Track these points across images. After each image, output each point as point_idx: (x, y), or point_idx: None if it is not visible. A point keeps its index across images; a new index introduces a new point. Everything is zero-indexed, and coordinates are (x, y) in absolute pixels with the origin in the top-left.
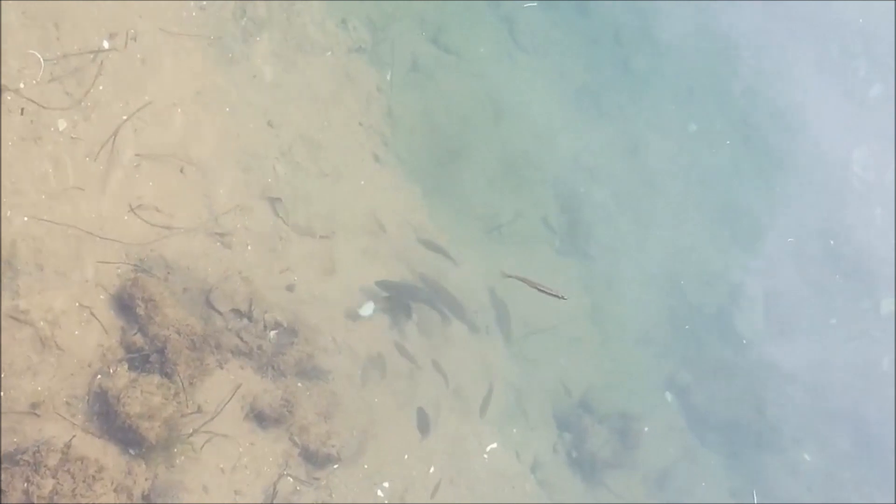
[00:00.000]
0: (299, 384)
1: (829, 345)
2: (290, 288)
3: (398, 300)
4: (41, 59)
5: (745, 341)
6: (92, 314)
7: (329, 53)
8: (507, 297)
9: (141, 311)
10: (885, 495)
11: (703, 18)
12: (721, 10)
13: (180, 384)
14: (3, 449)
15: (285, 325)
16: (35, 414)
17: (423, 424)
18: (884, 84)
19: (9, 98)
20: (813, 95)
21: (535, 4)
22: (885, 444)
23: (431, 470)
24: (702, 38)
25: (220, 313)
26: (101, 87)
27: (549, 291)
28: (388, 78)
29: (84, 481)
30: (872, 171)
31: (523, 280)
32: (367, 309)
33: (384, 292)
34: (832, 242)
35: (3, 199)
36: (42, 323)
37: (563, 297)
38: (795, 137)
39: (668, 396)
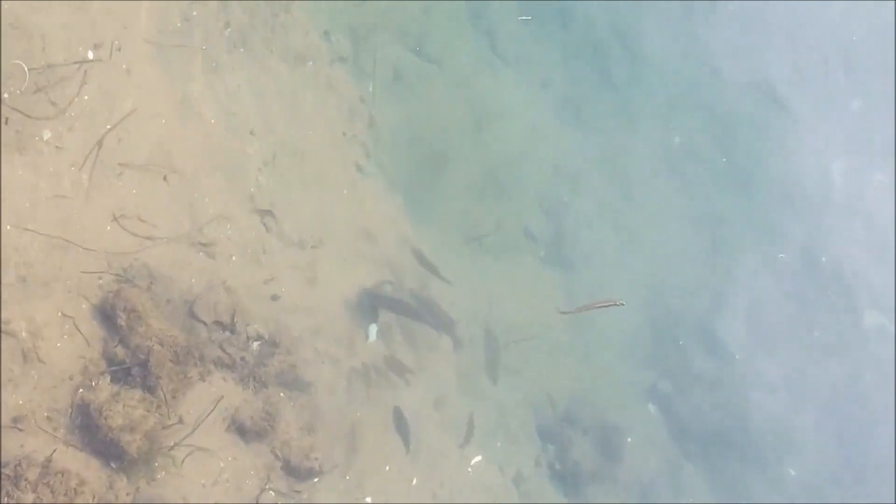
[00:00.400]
0: (281, 396)
1: (812, 357)
2: (273, 298)
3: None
4: (26, 69)
5: (737, 357)
6: (74, 326)
7: (312, 64)
8: (488, 305)
9: (123, 322)
10: None
11: (683, 32)
12: (701, 24)
13: (162, 397)
14: None
15: (268, 336)
16: (17, 428)
17: (402, 428)
18: (863, 98)
19: None
20: (793, 109)
21: (529, 18)
22: (868, 458)
23: (414, 482)
24: (682, 51)
25: (203, 324)
26: (85, 97)
27: (607, 304)
28: (371, 88)
29: (65, 495)
30: (853, 183)
31: (581, 309)
32: (373, 333)
33: (372, 303)
34: (822, 259)
35: None
36: (24, 334)
37: (621, 304)
38: (776, 150)
39: (651, 408)
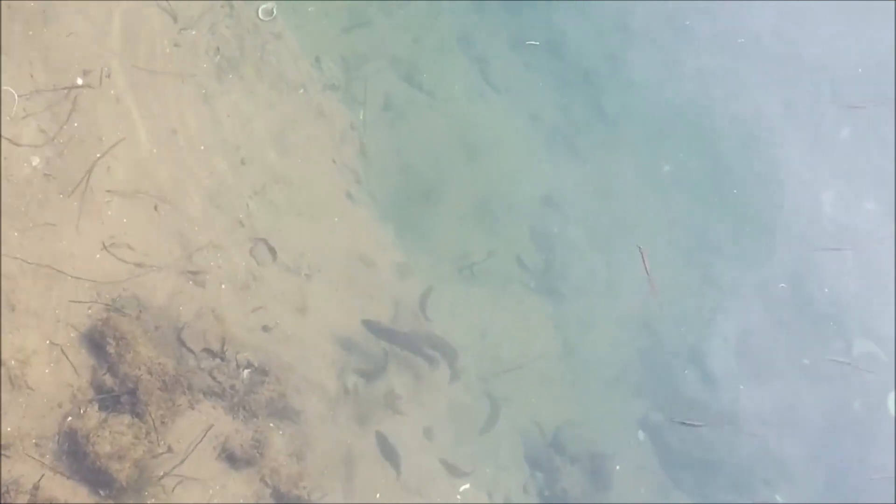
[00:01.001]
0: (271, 424)
1: (801, 386)
2: (263, 328)
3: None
4: (15, 95)
5: (727, 385)
6: (63, 353)
7: (302, 91)
8: (479, 334)
9: (112, 350)
10: None
11: (673, 61)
12: (691, 53)
13: (151, 425)
14: None
15: (257, 364)
16: (5, 455)
17: (389, 452)
18: (852, 127)
19: None
20: (783, 138)
21: (537, 43)
22: (855, 485)
23: None
24: (672, 80)
25: (192, 352)
26: (75, 124)
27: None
28: (361, 116)
29: None
30: (842, 212)
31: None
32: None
33: (369, 332)
34: (812, 287)
35: None
36: (13, 362)
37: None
38: (766, 179)
39: (641, 435)
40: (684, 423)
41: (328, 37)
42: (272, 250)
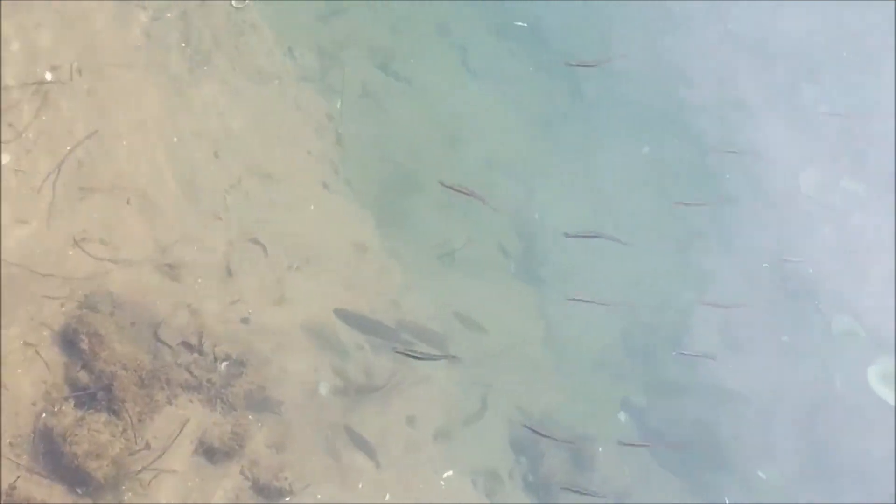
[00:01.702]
0: (250, 417)
1: (782, 364)
2: (241, 320)
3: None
4: None
5: (709, 365)
6: (36, 352)
7: (277, 82)
8: (462, 323)
9: (86, 347)
10: None
11: (653, 46)
12: (670, 38)
13: (128, 421)
14: None
15: (235, 357)
16: None
17: (361, 444)
18: (830, 106)
19: None
20: (762, 119)
21: (525, 25)
22: (837, 461)
23: (387, 497)
24: (653, 64)
25: (168, 347)
26: (44, 119)
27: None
28: (338, 106)
29: None
30: (820, 191)
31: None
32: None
33: (343, 322)
34: (793, 266)
35: None
36: None
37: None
38: (745, 160)
39: (622, 417)
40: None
41: (303, 26)
42: (247, 243)
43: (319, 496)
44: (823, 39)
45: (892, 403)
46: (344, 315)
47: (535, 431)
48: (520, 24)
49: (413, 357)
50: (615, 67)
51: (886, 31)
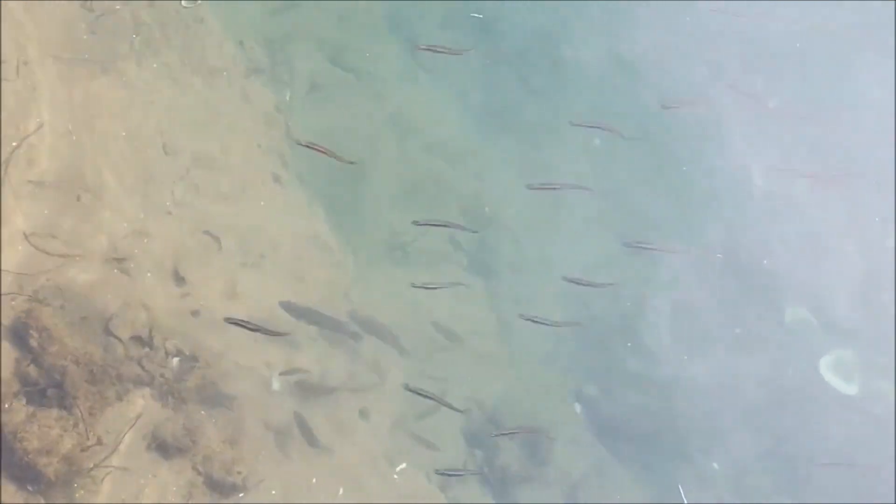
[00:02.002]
0: (202, 412)
1: (735, 355)
2: (192, 313)
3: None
4: None
5: (661, 356)
6: None
7: (226, 75)
8: (413, 314)
9: (35, 342)
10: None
11: (603, 36)
12: (621, 28)
13: (79, 416)
14: None
15: (187, 351)
16: None
17: (305, 429)
18: (781, 97)
19: None
20: (715, 111)
21: (481, 17)
22: (791, 452)
23: (340, 492)
24: (604, 57)
25: (119, 341)
26: None
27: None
28: (288, 98)
29: None
30: (773, 182)
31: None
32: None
33: (288, 314)
34: (744, 257)
35: None
36: None
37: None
38: (698, 151)
39: (578, 408)
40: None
41: (253, 19)
42: (197, 237)
43: (273, 492)
44: (778, 31)
45: (845, 393)
46: (290, 307)
47: (504, 434)
48: (475, 14)
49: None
50: (566, 59)
51: (842, 23)
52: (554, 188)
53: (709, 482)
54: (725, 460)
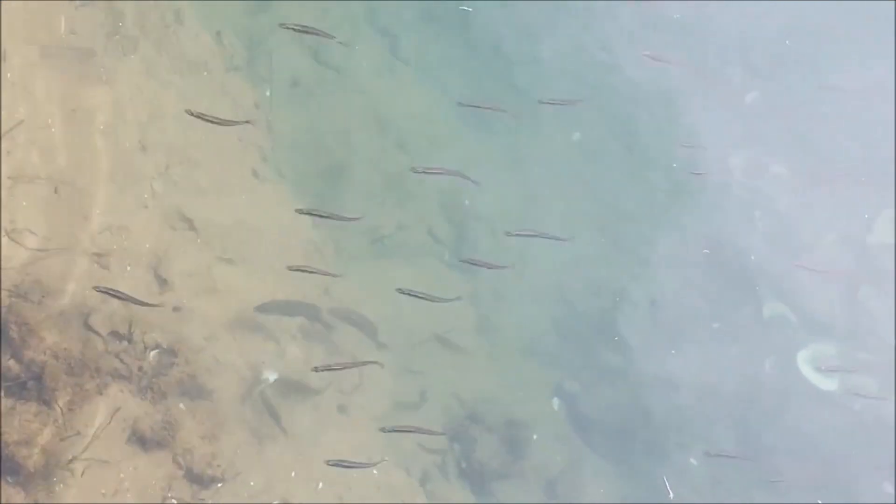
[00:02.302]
0: (181, 405)
1: (714, 349)
2: (172, 308)
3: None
4: None
5: (640, 351)
6: None
7: (205, 69)
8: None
9: (15, 336)
10: (771, 497)
11: (583, 31)
12: (599, 21)
13: (59, 410)
14: None
15: (166, 345)
16: None
17: (272, 410)
18: (759, 91)
19: None
20: (691, 103)
21: (470, 9)
22: (769, 446)
23: (320, 486)
24: (582, 50)
25: (99, 336)
26: None
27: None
28: (267, 93)
29: None
30: (750, 176)
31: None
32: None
33: (268, 314)
34: (723, 251)
35: None
36: None
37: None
38: (676, 145)
39: (556, 403)
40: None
41: (231, 13)
42: (177, 231)
43: (252, 483)
44: (755, 25)
45: (822, 388)
46: (268, 307)
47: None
48: (464, 7)
49: None
50: (545, 56)
51: (819, 19)
52: (439, 173)
53: (686, 476)
54: (701, 455)
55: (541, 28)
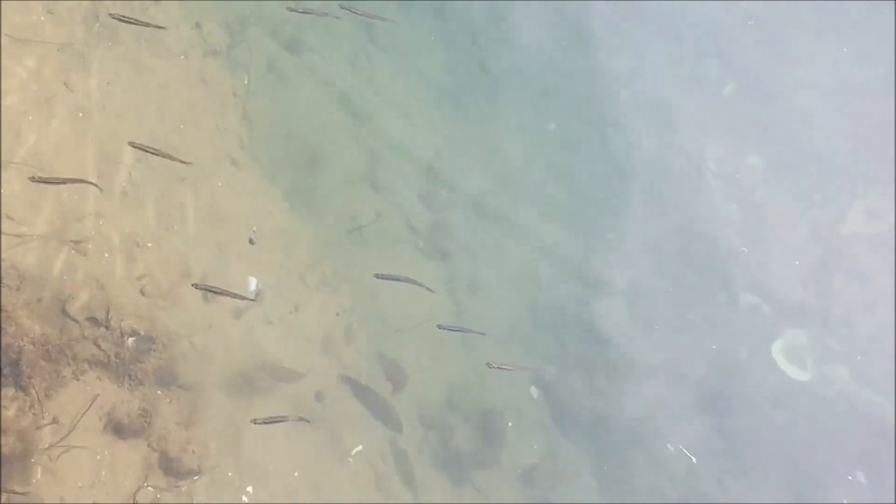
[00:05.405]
0: (158, 392)
1: (688, 338)
2: (148, 294)
3: None
4: None
5: (615, 340)
6: None
7: (184, 57)
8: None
9: None
10: (744, 485)
11: (558, 20)
12: (576, 12)
13: (35, 396)
14: None
15: (143, 332)
16: None
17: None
18: (736, 83)
19: None
20: (668, 94)
21: None
22: (743, 435)
23: (296, 475)
24: (557, 40)
25: (76, 322)
26: None
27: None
28: (245, 81)
29: None
30: (726, 167)
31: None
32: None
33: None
34: (698, 242)
35: None
36: None
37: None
38: (652, 135)
39: (534, 392)
40: None
41: (210, 1)
42: (155, 218)
43: (230, 473)
44: (732, 19)
45: (796, 378)
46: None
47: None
48: None
49: None
50: (521, 41)
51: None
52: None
53: (662, 464)
54: (678, 441)
55: (516, 18)
